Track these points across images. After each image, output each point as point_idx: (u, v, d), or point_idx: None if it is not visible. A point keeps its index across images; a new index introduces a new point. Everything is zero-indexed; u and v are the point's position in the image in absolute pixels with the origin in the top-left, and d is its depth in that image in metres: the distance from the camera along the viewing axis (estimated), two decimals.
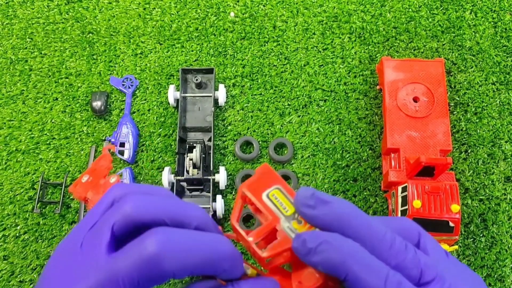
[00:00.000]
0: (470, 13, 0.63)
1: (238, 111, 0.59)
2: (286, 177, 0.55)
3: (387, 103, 0.55)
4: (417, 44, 0.62)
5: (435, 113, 0.54)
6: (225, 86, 0.60)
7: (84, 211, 0.54)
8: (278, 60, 0.62)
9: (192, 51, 0.62)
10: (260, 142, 0.57)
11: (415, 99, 0.55)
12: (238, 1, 0.65)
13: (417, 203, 0.45)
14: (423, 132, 0.53)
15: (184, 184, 0.54)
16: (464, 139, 0.57)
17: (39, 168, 0.57)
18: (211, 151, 0.55)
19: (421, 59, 0.59)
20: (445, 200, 0.47)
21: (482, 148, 0.56)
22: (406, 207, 0.47)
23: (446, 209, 0.46)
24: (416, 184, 0.47)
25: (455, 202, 0.50)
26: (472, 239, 0.53)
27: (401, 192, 0.49)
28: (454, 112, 0.58)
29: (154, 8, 0.65)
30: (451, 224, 0.46)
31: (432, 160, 0.47)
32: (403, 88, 0.55)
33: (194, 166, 0.53)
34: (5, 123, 0.59)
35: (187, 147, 0.53)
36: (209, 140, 0.56)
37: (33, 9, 0.66)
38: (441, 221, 0.46)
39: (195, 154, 0.52)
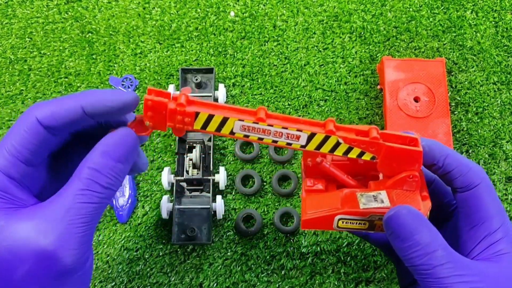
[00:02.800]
0: (471, 12, 0.63)
1: None
2: (286, 177, 0.55)
3: (388, 103, 0.54)
4: (418, 43, 0.62)
5: (436, 113, 0.54)
6: (225, 86, 0.60)
7: None
8: (278, 59, 0.61)
9: (192, 50, 0.62)
10: None
11: (416, 99, 0.55)
12: (238, 1, 0.65)
13: None
14: (424, 132, 0.53)
15: (184, 184, 0.54)
16: (465, 139, 0.57)
17: None
18: (211, 151, 0.55)
19: (422, 58, 0.59)
20: None
21: (483, 148, 0.56)
22: None
23: None
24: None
25: None
26: None
27: None
28: (455, 112, 0.58)
29: (154, 8, 0.65)
30: None
31: None
32: (403, 88, 0.55)
33: (194, 166, 0.52)
34: (4, 123, 0.59)
35: (187, 147, 0.53)
36: (209, 140, 0.56)
37: (32, 8, 0.65)
38: None
39: (195, 154, 0.52)
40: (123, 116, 0.30)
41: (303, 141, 0.28)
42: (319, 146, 0.28)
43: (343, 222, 0.29)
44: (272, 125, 0.27)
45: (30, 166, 0.27)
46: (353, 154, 0.28)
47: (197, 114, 0.27)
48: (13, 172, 0.27)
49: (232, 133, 0.28)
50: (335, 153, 0.28)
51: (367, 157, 0.29)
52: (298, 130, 0.27)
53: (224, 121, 0.27)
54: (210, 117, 0.27)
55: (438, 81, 0.55)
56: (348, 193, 0.30)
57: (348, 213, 0.29)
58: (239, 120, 0.27)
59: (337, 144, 0.28)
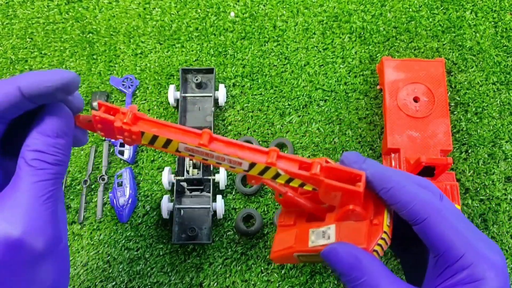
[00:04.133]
0: (471, 13, 0.63)
1: (238, 111, 0.59)
2: None
3: (388, 103, 0.55)
4: (418, 44, 0.62)
5: (435, 113, 0.54)
6: (225, 86, 0.60)
7: (84, 211, 0.54)
8: (278, 60, 0.61)
9: (192, 51, 0.62)
10: (260, 142, 0.57)
11: (416, 99, 0.55)
12: (238, 1, 0.65)
13: None
14: (424, 132, 0.53)
15: (184, 184, 0.54)
16: (464, 139, 0.57)
17: None
18: None
19: (421, 59, 0.59)
20: None
21: (483, 148, 0.56)
22: None
23: None
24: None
25: (455, 202, 0.50)
26: None
27: None
28: (455, 112, 0.58)
29: (154, 8, 0.65)
30: None
31: (433, 160, 0.47)
32: (403, 88, 0.55)
33: (194, 166, 0.53)
34: None
35: None
36: None
37: (33, 9, 0.65)
38: None
39: None
40: (65, 100, 0.29)
41: (245, 167, 0.29)
42: (261, 173, 0.29)
43: (303, 257, 0.31)
44: (214, 151, 0.28)
45: None
46: (295, 184, 0.29)
47: (142, 133, 0.28)
48: None
49: (178, 151, 0.29)
50: (277, 180, 0.29)
51: (308, 187, 0.29)
52: (239, 158, 0.28)
53: (168, 141, 0.28)
54: (155, 137, 0.28)
55: (437, 81, 0.56)
56: (302, 230, 0.31)
57: (300, 251, 0.30)
58: (182, 142, 0.28)
59: (278, 174, 0.29)
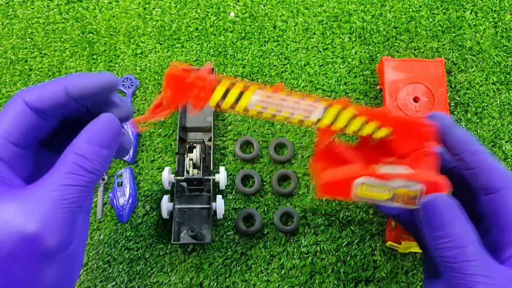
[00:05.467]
0: (471, 13, 0.63)
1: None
2: (286, 177, 0.55)
3: (388, 103, 0.55)
4: (418, 44, 0.62)
5: None
6: None
7: None
8: (278, 60, 0.61)
9: (192, 51, 0.62)
10: (260, 142, 0.57)
11: (416, 99, 0.55)
12: (238, 1, 0.65)
13: None
14: None
15: (184, 184, 0.54)
16: None
17: None
18: (211, 151, 0.55)
19: (421, 59, 0.59)
20: None
21: None
22: None
23: None
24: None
25: None
26: None
27: None
28: (455, 112, 0.58)
29: (154, 8, 0.65)
30: None
31: None
32: (403, 88, 0.55)
33: (194, 166, 0.52)
34: None
35: (187, 147, 0.53)
36: (209, 140, 0.56)
37: (33, 9, 0.65)
38: None
39: (195, 154, 0.52)
40: (109, 101, 0.31)
41: (319, 113, 0.28)
42: (334, 120, 0.28)
43: (365, 189, 0.28)
44: (288, 95, 0.27)
45: (19, 147, 0.28)
46: (368, 129, 0.28)
47: (214, 87, 0.28)
48: (2, 152, 0.27)
49: (246, 109, 0.29)
50: (350, 127, 0.28)
51: (382, 133, 0.28)
52: (315, 101, 0.27)
53: (241, 94, 0.28)
54: (227, 91, 0.28)
55: (437, 81, 0.56)
56: (366, 164, 0.29)
57: (368, 176, 0.28)
58: (255, 94, 0.28)
59: (352, 118, 0.28)
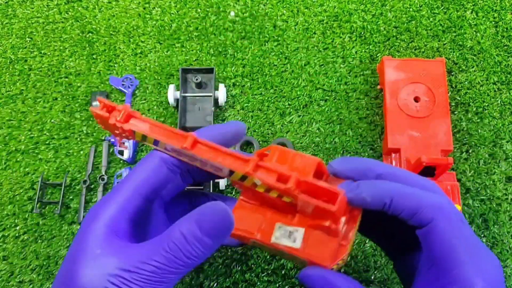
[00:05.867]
0: (471, 12, 0.63)
1: (238, 111, 0.59)
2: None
3: (388, 103, 0.55)
4: (418, 43, 0.62)
5: (436, 113, 0.54)
6: (225, 86, 0.60)
7: (84, 211, 0.54)
8: (279, 59, 0.61)
9: (192, 50, 0.62)
10: (260, 142, 0.57)
11: (416, 99, 0.55)
12: (238, 1, 0.65)
13: None
14: (424, 132, 0.53)
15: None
16: (465, 139, 0.57)
17: (39, 168, 0.57)
18: None
19: (422, 58, 0.59)
20: None
21: (483, 148, 0.56)
22: None
23: None
24: None
25: (456, 202, 0.50)
26: None
27: None
28: (455, 112, 0.58)
29: (154, 8, 0.65)
30: None
31: (433, 160, 0.47)
32: (404, 88, 0.55)
33: None
34: (4, 123, 0.59)
35: None
36: None
37: (32, 8, 0.65)
38: None
39: None
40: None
41: (225, 173, 0.29)
42: (241, 180, 0.29)
43: (258, 245, 0.30)
44: (196, 155, 0.29)
45: (146, 201, 0.29)
46: (273, 194, 0.28)
47: (133, 132, 0.30)
48: (130, 207, 0.29)
49: (167, 149, 0.30)
50: (257, 189, 0.29)
51: (286, 199, 0.28)
52: (220, 164, 0.28)
53: (156, 141, 0.29)
54: (144, 136, 0.30)
55: (438, 81, 0.55)
56: (268, 219, 0.30)
57: (261, 242, 0.29)
58: (168, 144, 0.29)
59: (255, 183, 0.28)
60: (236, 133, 0.31)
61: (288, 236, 0.29)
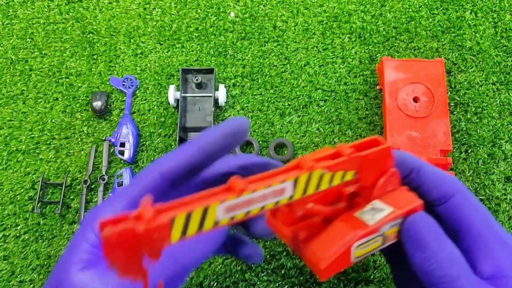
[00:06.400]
0: (471, 13, 0.63)
1: (238, 111, 0.59)
2: None
3: (387, 103, 0.55)
4: (417, 44, 0.62)
5: (435, 113, 0.54)
6: (225, 86, 0.60)
7: (84, 211, 0.54)
8: (278, 60, 0.62)
9: (192, 51, 0.62)
10: (260, 142, 0.57)
11: (415, 99, 0.55)
12: (238, 1, 0.65)
13: None
14: (423, 132, 0.53)
15: None
16: (464, 139, 0.57)
17: (39, 168, 0.57)
18: None
19: (421, 59, 0.59)
20: None
21: (482, 148, 0.56)
22: None
23: None
24: None
25: None
26: None
27: None
28: (454, 112, 0.58)
29: (154, 8, 0.65)
30: None
31: (432, 160, 0.47)
32: (403, 88, 0.55)
33: None
34: (5, 123, 0.59)
35: None
36: None
37: (33, 9, 0.66)
38: None
39: None
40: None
41: (289, 190, 0.24)
42: (305, 188, 0.25)
43: (361, 249, 0.26)
44: (255, 190, 0.23)
45: None
46: (336, 180, 0.26)
47: (173, 220, 0.21)
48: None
49: (216, 224, 0.22)
50: (321, 187, 0.25)
51: (349, 176, 0.26)
52: (282, 182, 0.24)
53: (204, 212, 0.22)
54: (188, 217, 0.21)
55: (437, 81, 0.56)
56: (345, 219, 0.27)
57: (364, 236, 0.26)
58: (221, 203, 0.22)
59: (321, 177, 0.25)
60: (237, 131, 0.28)
61: (376, 211, 0.27)
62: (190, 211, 0.21)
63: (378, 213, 0.26)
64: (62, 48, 0.63)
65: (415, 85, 0.55)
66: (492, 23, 0.63)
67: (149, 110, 0.60)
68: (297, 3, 0.65)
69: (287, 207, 0.26)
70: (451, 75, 0.60)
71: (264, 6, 0.65)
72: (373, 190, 0.28)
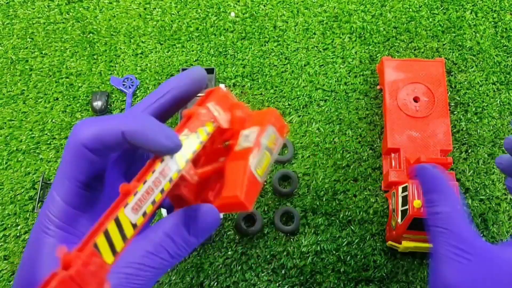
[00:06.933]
0: (471, 13, 0.63)
1: None
2: (286, 177, 0.55)
3: (388, 103, 0.55)
4: (418, 44, 0.62)
5: (435, 113, 0.54)
6: (226, 86, 0.60)
7: None
8: (279, 60, 0.62)
9: (193, 51, 0.62)
10: None
11: (416, 99, 0.55)
12: (238, 1, 0.65)
13: (417, 203, 0.45)
14: (424, 132, 0.53)
15: None
16: (464, 139, 0.57)
17: (40, 168, 0.57)
18: None
19: (421, 59, 0.59)
20: None
21: (483, 148, 0.56)
22: (407, 207, 0.47)
23: None
24: (416, 184, 0.47)
25: None
26: None
27: (402, 192, 0.49)
28: (455, 112, 0.58)
29: (155, 8, 0.65)
30: None
31: (433, 160, 0.47)
32: (403, 88, 0.55)
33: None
34: (5, 123, 0.59)
35: None
36: None
37: (33, 9, 0.66)
38: None
39: None
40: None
41: (174, 166, 0.26)
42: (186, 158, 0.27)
43: (259, 168, 0.28)
44: (145, 181, 0.24)
45: (82, 189, 0.26)
46: (203, 136, 0.28)
47: (96, 245, 0.21)
48: (70, 197, 0.26)
49: (135, 226, 0.23)
50: (196, 148, 0.27)
51: (210, 127, 0.29)
52: (161, 161, 0.25)
53: (118, 223, 0.22)
54: (107, 235, 0.22)
55: (437, 81, 0.56)
56: (232, 158, 0.29)
57: (252, 155, 0.28)
58: (125, 206, 0.23)
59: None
60: (194, 81, 0.29)
61: (247, 138, 0.29)
62: (105, 229, 0.22)
63: (251, 135, 0.29)
64: (62, 48, 0.63)
65: (415, 85, 0.55)
66: (493, 23, 0.63)
67: None
68: (297, 3, 0.65)
69: (185, 181, 0.27)
70: (451, 75, 0.60)
71: (264, 6, 0.65)
72: (234, 127, 0.30)
